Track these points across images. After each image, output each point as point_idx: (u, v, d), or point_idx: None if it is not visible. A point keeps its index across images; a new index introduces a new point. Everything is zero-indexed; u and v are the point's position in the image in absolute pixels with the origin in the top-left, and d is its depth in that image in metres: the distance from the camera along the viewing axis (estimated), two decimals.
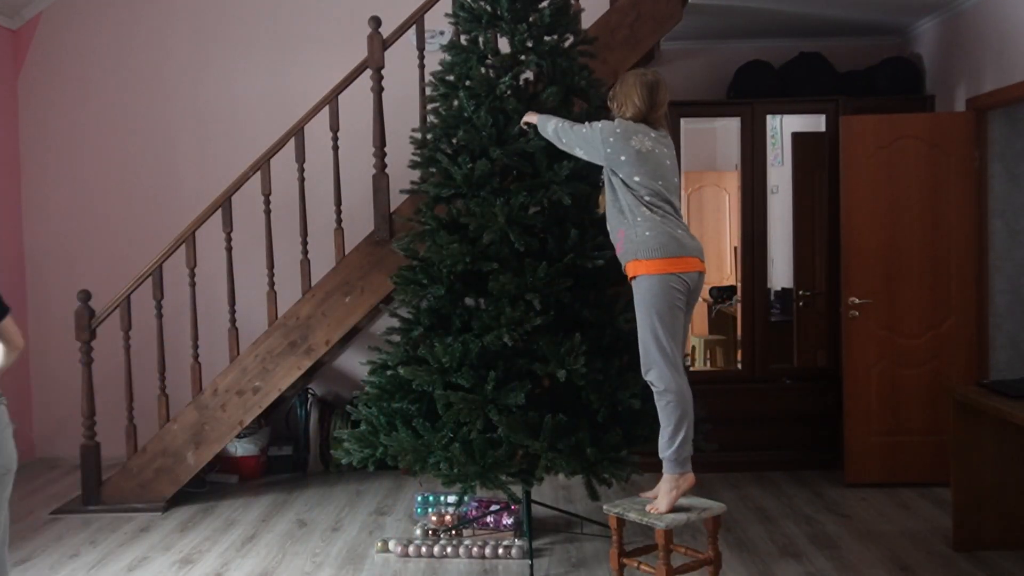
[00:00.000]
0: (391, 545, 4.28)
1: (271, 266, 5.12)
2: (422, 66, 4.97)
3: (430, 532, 4.43)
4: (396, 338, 4.23)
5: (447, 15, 4.35)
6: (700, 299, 6.72)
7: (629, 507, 3.51)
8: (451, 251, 3.97)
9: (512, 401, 3.76)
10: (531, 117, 3.90)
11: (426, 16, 4.97)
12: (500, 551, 4.18)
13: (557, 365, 3.78)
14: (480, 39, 4.22)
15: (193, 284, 5.11)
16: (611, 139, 3.49)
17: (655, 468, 5.43)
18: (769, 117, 5.65)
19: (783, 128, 6.16)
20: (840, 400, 5.23)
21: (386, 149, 4.97)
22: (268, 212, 5.08)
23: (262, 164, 5.05)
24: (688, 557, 3.62)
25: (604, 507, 3.59)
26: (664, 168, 3.50)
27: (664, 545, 3.38)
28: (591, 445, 3.80)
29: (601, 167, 3.64)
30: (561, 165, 3.96)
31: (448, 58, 4.24)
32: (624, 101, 3.56)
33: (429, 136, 4.32)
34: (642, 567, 3.53)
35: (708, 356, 6.37)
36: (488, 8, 4.18)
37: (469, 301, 4.13)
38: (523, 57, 4.16)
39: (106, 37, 6.14)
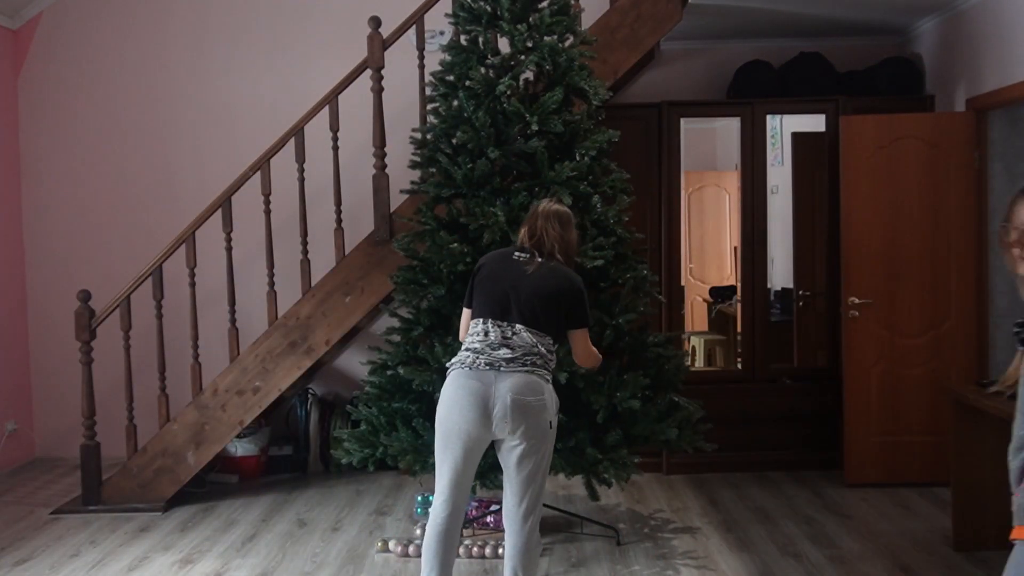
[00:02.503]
0: (391, 545, 4.28)
1: (271, 266, 5.12)
2: (422, 66, 4.98)
3: None
4: (396, 338, 4.23)
5: (447, 15, 4.36)
6: (700, 299, 6.74)
7: None
8: (451, 251, 3.97)
9: None
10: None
11: (426, 16, 4.97)
12: (500, 551, 4.18)
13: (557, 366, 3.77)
14: (480, 39, 4.22)
15: (193, 284, 5.11)
16: None
17: (655, 468, 5.46)
18: (769, 117, 5.64)
19: (783, 128, 6.16)
20: (840, 400, 5.23)
21: (386, 149, 4.97)
22: (268, 212, 5.08)
23: (262, 164, 5.04)
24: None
25: None
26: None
27: None
28: (591, 446, 3.81)
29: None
30: (562, 166, 3.96)
31: (448, 58, 4.24)
32: None
33: (429, 136, 4.32)
34: None
35: (708, 356, 6.37)
36: (488, 8, 4.18)
37: None
38: (523, 57, 4.16)
39: (106, 37, 6.14)
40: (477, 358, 3.12)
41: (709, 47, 5.94)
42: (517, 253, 3.25)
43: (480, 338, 3.16)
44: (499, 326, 3.15)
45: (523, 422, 3.06)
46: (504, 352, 3.10)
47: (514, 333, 3.13)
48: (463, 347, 3.22)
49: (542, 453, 3.11)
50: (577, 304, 3.21)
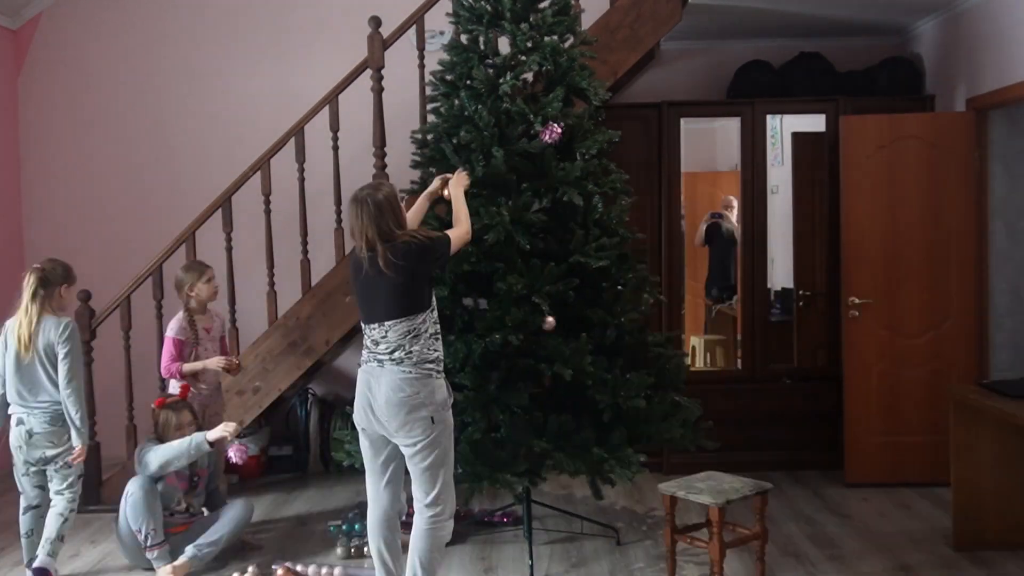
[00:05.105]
0: None
1: (271, 266, 5.12)
2: (422, 66, 4.98)
3: None
4: None
5: (447, 15, 4.35)
6: (700, 299, 6.73)
7: (680, 487, 3.69)
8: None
9: (516, 401, 3.77)
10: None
11: (426, 16, 4.97)
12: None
13: (563, 365, 3.77)
14: (481, 39, 4.21)
15: None
16: None
17: (655, 468, 5.46)
18: (769, 117, 5.65)
19: (783, 128, 6.15)
20: (840, 400, 5.23)
21: (386, 149, 4.97)
22: (268, 212, 5.08)
23: (262, 164, 5.04)
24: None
25: (660, 486, 3.71)
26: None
27: (717, 522, 3.51)
28: (596, 445, 3.81)
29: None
30: (572, 165, 3.95)
31: (449, 58, 4.23)
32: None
33: (430, 136, 4.31)
34: (695, 542, 3.65)
35: (708, 356, 6.37)
36: (489, 8, 4.18)
37: (469, 301, 4.13)
38: (524, 57, 4.15)
39: (106, 37, 6.14)
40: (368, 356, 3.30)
41: (709, 47, 5.95)
42: (361, 255, 3.28)
43: (366, 343, 3.32)
44: (373, 329, 3.27)
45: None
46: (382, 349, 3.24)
47: (387, 331, 3.23)
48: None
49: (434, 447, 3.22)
50: (428, 253, 3.26)
